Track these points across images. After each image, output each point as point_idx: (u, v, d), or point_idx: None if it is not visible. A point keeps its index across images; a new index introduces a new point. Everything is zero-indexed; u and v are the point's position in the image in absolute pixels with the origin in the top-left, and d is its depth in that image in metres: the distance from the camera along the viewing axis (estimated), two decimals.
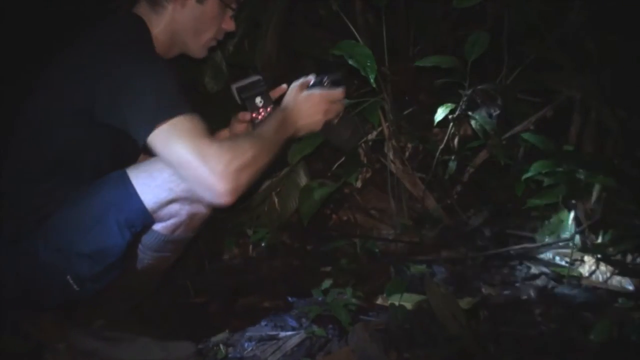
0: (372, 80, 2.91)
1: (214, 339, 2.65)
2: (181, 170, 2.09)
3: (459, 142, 3.49)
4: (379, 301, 2.86)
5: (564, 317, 2.62)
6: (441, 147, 3.36)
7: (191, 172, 2.05)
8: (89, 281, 2.33)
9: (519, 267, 3.09)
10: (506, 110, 3.39)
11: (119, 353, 2.46)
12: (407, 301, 2.75)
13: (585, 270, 2.95)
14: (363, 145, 3.58)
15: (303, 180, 3.30)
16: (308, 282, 3.01)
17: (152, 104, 2.09)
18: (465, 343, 2.42)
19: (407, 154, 3.61)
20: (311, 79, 2.54)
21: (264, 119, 2.48)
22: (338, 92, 2.53)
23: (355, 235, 3.38)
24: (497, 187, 3.56)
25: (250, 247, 3.43)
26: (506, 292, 2.88)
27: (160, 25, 2.39)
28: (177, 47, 2.48)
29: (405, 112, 3.59)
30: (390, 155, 3.41)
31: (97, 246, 2.25)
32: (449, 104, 3.22)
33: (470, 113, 3.28)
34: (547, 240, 3.15)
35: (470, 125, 3.46)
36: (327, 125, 2.51)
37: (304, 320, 2.75)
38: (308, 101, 2.45)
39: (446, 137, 3.39)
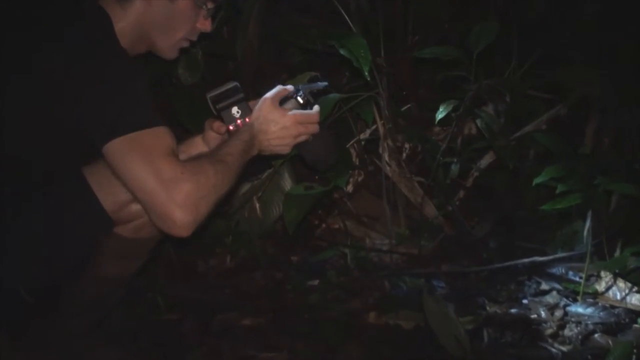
0: (366, 73, 2.91)
1: (188, 359, 2.64)
2: (135, 192, 2.08)
3: (462, 142, 3.50)
4: (372, 319, 2.85)
5: (577, 339, 2.63)
6: (442, 147, 3.36)
7: (146, 196, 2.04)
8: (44, 292, 2.32)
9: (527, 282, 3.10)
10: (515, 107, 3.41)
11: None
12: (403, 320, 2.76)
13: (601, 286, 2.96)
14: (355, 145, 3.58)
15: (288, 183, 3.30)
16: (293, 297, 3.01)
17: (113, 112, 2.07)
18: None
19: (404, 155, 3.61)
20: (287, 88, 2.52)
21: None
22: (314, 114, 2.44)
23: (345, 245, 3.38)
24: (504, 193, 3.57)
25: (228, 257, 3.42)
26: (513, 310, 2.88)
27: (125, 20, 2.36)
28: (144, 44, 2.46)
29: (403, 109, 3.60)
30: (386, 156, 3.41)
31: (52, 253, 2.24)
32: (452, 101, 3.23)
33: (475, 110, 3.29)
34: (559, 253, 3.16)
35: (476, 124, 3.48)
36: (302, 143, 2.50)
37: (287, 339, 2.73)
38: (278, 122, 2.39)
39: (448, 137, 3.40)
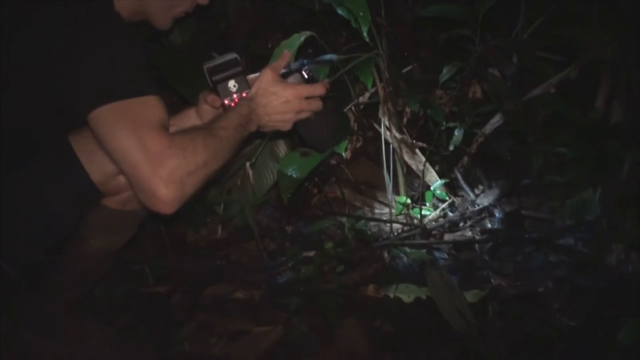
0: (365, 33, 2.88)
1: (177, 334, 2.65)
2: (119, 164, 2.06)
3: (467, 106, 3.47)
4: (371, 292, 2.85)
5: (587, 314, 2.63)
6: (446, 112, 3.34)
7: (131, 169, 2.02)
8: (29, 267, 2.31)
9: (535, 254, 3.09)
10: (522, 69, 3.38)
11: (63, 350, 2.44)
12: (404, 293, 2.75)
13: (612, 258, 2.95)
14: (353, 109, 3.56)
15: (282, 149, 3.28)
16: (287, 269, 3.00)
17: (103, 78, 2.05)
18: (471, 342, 2.43)
19: (405, 119, 3.59)
20: (288, 59, 2.49)
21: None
22: (318, 87, 2.42)
23: (343, 214, 3.37)
24: (510, 160, 3.55)
25: (220, 227, 3.42)
26: (520, 284, 2.88)
27: None
28: (140, 15, 2.47)
29: (404, 71, 3.57)
30: (386, 121, 3.39)
31: (37, 226, 2.23)
32: (456, 62, 3.20)
33: (480, 73, 3.26)
34: (568, 223, 3.15)
35: (481, 87, 3.45)
36: (301, 120, 2.48)
37: (282, 313, 2.74)
38: (280, 96, 2.36)
39: (452, 101, 3.38)
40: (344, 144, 3.33)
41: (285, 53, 2.49)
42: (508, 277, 2.93)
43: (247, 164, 3.27)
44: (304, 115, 2.41)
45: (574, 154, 2.95)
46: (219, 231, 3.41)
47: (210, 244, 3.36)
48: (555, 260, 3.02)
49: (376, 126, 3.53)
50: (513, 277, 2.93)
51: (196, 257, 3.26)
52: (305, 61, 2.47)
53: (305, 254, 3.09)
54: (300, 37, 2.97)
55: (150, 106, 2.07)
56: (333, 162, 3.60)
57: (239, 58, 2.46)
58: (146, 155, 1.98)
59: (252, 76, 2.47)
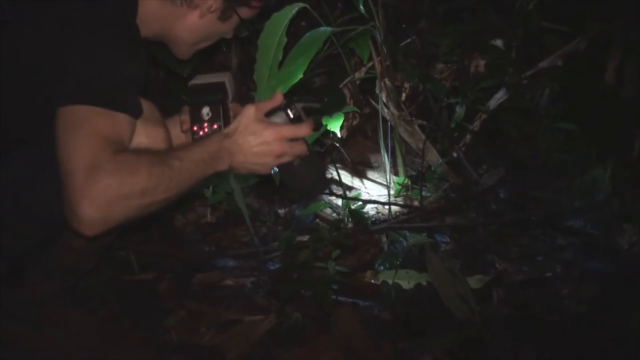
0: (360, 5, 2.88)
1: (164, 324, 2.65)
2: (60, 167, 2.05)
3: (469, 81, 3.47)
4: (368, 279, 2.86)
5: (597, 299, 2.63)
6: (447, 87, 3.34)
7: (64, 175, 1.97)
8: (15, 260, 2.32)
9: (541, 236, 3.09)
10: (527, 41, 3.38)
11: (45, 342, 2.45)
12: (403, 279, 2.76)
13: (624, 241, 2.96)
14: (349, 85, 3.55)
15: None
16: (280, 254, 3.00)
17: (89, 78, 2.04)
18: (474, 330, 2.43)
19: (403, 95, 3.59)
20: (277, 101, 2.42)
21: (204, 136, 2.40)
22: (303, 128, 2.30)
23: (339, 196, 3.36)
24: (515, 137, 3.55)
25: (209, 211, 3.42)
26: (526, 268, 2.89)
27: (157, 13, 2.38)
28: (163, 40, 2.49)
29: (402, 44, 3.56)
30: (383, 97, 3.39)
31: (26, 219, 2.23)
32: (457, 34, 3.19)
33: (483, 45, 3.26)
34: (577, 203, 3.15)
35: (484, 60, 3.45)
36: (286, 165, 2.44)
37: (274, 301, 2.74)
38: (259, 136, 2.24)
39: (453, 75, 3.37)
40: (339, 121, 3.32)
41: (277, 95, 2.35)
42: (513, 261, 2.94)
43: None
44: (285, 159, 2.30)
45: (583, 131, 2.95)
46: (208, 215, 3.41)
47: (199, 228, 3.36)
48: (564, 243, 3.02)
49: (373, 102, 3.53)
50: (519, 262, 2.94)
51: (184, 242, 3.25)
52: (294, 99, 2.40)
53: (298, 238, 3.08)
54: (292, 9, 2.96)
55: (118, 123, 2.05)
56: (327, 141, 3.59)
57: (225, 84, 2.41)
58: (82, 164, 1.95)
59: (236, 107, 2.41)
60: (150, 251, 3.13)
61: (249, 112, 2.25)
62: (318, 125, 2.74)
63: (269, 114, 2.30)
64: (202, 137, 2.29)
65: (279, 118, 2.31)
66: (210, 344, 2.54)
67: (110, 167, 1.94)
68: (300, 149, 2.30)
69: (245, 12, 2.50)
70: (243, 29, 2.58)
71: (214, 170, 2.21)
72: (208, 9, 2.40)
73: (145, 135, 2.40)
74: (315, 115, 2.89)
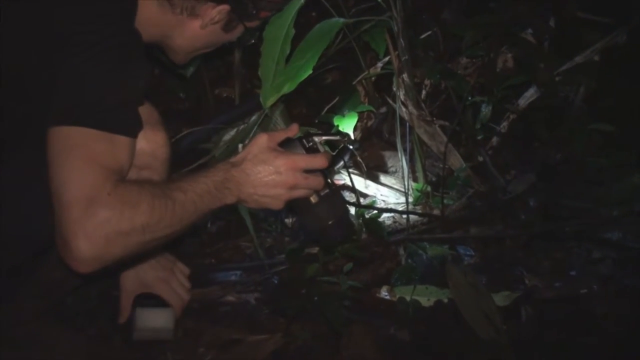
0: None
1: (159, 344, 2.65)
2: (53, 194, 2.04)
3: (495, 77, 3.47)
4: (384, 294, 2.86)
5: (636, 319, 2.63)
6: (471, 84, 3.34)
7: (59, 204, 1.98)
8: (4, 275, 2.34)
9: (575, 249, 3.09)
10: (561, 34, 3.38)
11: None
12: (422, 295, 2.76)
13: None
14: (364, 82, 3.56)
15: (281, 127, 3.28)
16: (286, 268, 3.01)
17: (86, 97, 2.05)
18: (500, 353, 2.43)
19: (423, 93, 3.59)
20: (292, 132, 2.36)
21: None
22: (318, 159, 2.28)
23: (352, 204, 3.37)
24: (547, 140, 3.55)
25: (208, 220, 3.42)
26: (558, 284, 2.88)
27: (156, 19, 2.39)
28: (159, 44, 2.50)
29: (422, 37, 3.57)
30: (401, 95, 3.39)
31: (13, 232, 2.24)
32: (483, 26, 3.19)
33: (512, 38, 3.26)
34: (615, 213, 3.15)
35: (512, 54, 3.45)
36: (302, 202, 2.36)
37: (280, 319, 2.75)
38: (270, 165, 2.22)
39: (478, 71, 3.38)
40: (352, 122, 3.33)
41: (293, 125, 2.37)
42: (544, 276, 2.93)
43: (240, 146, 3.29)
44: (299, 193, 2.28)
45: (622, 133, 2.94)
46: (208, 224, 3.42)
47: (198, 239, 3.37)
48: (600, 256, 3.02)
49: (390, 101, 3.53)
50: (550, 277, 2.93)
51: (181, 255, 3.25)
52: (312, 131, 2.39)
53: (307, 250, 3.09)
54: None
55: (118, 148, 2.06)
56: (340, 143, 3.60)
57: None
58: (79, 196, 1.95)
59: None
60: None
61: (261, 141, 2.25)
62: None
63: (284, 145, 2.28)
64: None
65: (293, 149, 2.29)
66: None
67: (110, 200, 1.94)
68: (316, 182, 2.28)
69: (252, 22, 2.51)
70: (249, 37, 2.59)
71: (221, 203, 2.20)
72: (210, 20, 2.40)
73: (145, 140, 2.43)
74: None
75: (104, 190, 1.95)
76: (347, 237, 2.69)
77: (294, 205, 2.32)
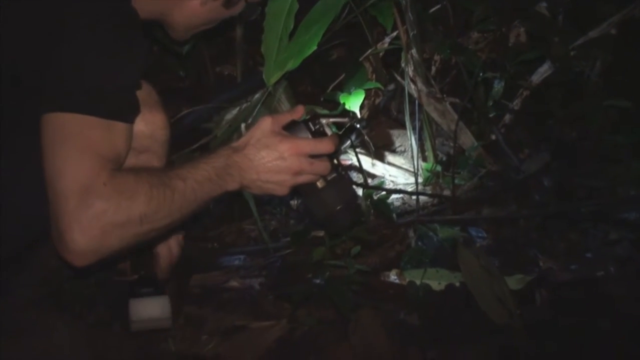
0: None
1: (160, 331, 2.65)
2: (47, 183, 2.04)
3: (508, 52, 3.46)
4: (393, 278, 2.86)
5: None
6: (483, 59, 3.33)
7: (53, 195, 1.98)
8: (1, 262, 2.36)
9: (592, 230, 3.09)
10: (576, 6, 3.36)
11: (27, 350, 2.47)
12: (433, 279, 2.76)
13: None
14: (371, 58, 3.55)
15: (285, 107, 3.28)
16: (292, 252, 3.02)
17: (82, 82, 2.03)
18: (514, 337, 2.43)
19: (433, 69, 3.58)
20: (298, 114, 2.33)
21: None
22: (325, 143, 2.25)
23: (359, 184, 3.36)
24: (562, 117, 3.55)
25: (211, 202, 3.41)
26: (573, 267, 2.89)
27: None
28: (158, 21, 2.49)
29: (431, 10, 3.56)
30: (410, 71, 3.39)
31: (8, 219, 2.25)
32: None
33: (524, 10, 3.25)
34: (632, 192, 3.14)
35: (525, 28, 3.44)
36: (308, 187, 2.34)
37: (285, 305, 2.75)
38: (274, 150, 2.20)
39: (490, 46, 3.37)
40: (359, 99, 3.32)
41: (299, 107, 2.33)
42: (559, 258, 2.94)
43: (243, 125, 3.28)
44: (304, 178, 2.26)
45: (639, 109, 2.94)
46: (210, 207, 3.41)
47: (200, 222, 3.37)
48: (617, 237, 3.01)
49: (398, 78, 3.53)
50: (565, 259, 2.93)
51: (183, 238, 3.26)
52: (319, 113, 2.37)
53: (313, 233, 3.09)
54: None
55: (115, 135, 2.05)
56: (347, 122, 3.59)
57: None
58: (75, 186, 1.94)
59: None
60: (143, 249, 3.14)
61: (264, 124, 2.22)
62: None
63: (289, 128, 2.26)
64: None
65: (299, 133, 2.26)
66: (212, 354, 2.56)
67: (107, 191, 1.93)
68: (322, 167, 2.25)
69: None
70: (253, 12, 2.57)
71: (223, 190, 2.18)
72: None
73: (144, 122, 2.42)
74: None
75: (99, 181, 1.94)
76: (355, 223, 2.68)
77: (299, 190, 2.31)
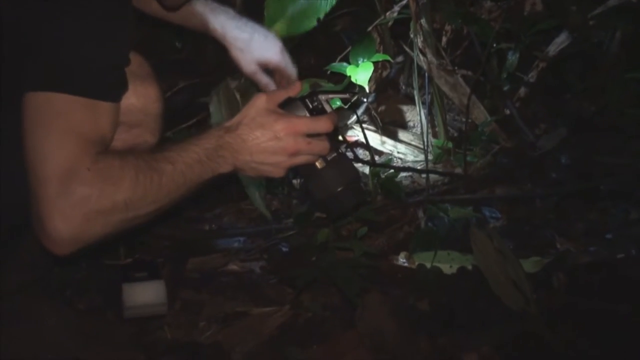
0: None
1: (155, 317, 2.66)
2: (27, 166, 2.03)
3: (523, 22, 3.45)
4: (402, 261, 2.86)
5: None
6: (496, 29, 3.32)
7: (33, 179, 1.97)
8: None
9: (612, 210, 3.08)
10: None
11: (15, 337, 2.47)
12: (444, 262, 2.76)
13: None
14: (379, 28, 3.54)
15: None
16: (295, 233, 3.02)
17: (66, 59, 2.02)
18: (529, 323, 2.43)
19: (444, 40, 3.57)
20: (295, 90, 2.31)
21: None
22: (322, 121, 2.23)
23: (366, 162, 3.36)
24: (580, 90, 3.54)
25: None
26: (592, 249, 2.88)
27: None
28: None
29: None
30: (419, 42, 3.37)
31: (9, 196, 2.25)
32: None
33: None
34: None
35: None
36: (307, 168, 2.32)
37: (288, 290, 2.75)
38: (269, 129, 2.17)
39: (504, 15, 3.35)
40: (367, 72, 3.31)
41: (296, 83, 2.33)
42: (578, 240, 2.93)
43: (238, 96, 3.27)
44: (302, 159, 2.24)
45: None
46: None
47: (196, 202, 3.36)
48: (639, 217, 3.00)
49: (407, 49, 3.52)
50: (584, 241, 2.93)
51: (179, 219, 3.25)
52: (315, 90, 2.34)
53: (317, 214, 3.09)
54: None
55: (99, 115, 2.02)
56: (353, 96, 3.59)
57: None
58: (56, 170, 1.93)
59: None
60: (137, 231, 3.13)
61: (259, 102, 2.20)
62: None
63: (285, 105, 2.24)
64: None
65: (295, 110, 2.24)
66: (211, 342, 2.55)
67: (90, 176, 1.92)
68: (321, 146, 2.23)
69: None
70: None
71: (215, 173, 2.16)
72: None
73: (135, 96, 2.40)
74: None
75: (82, 165, 1.92)
76: (358, 205, 2.67)
77: (299, 171, 2.29)
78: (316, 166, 2.25)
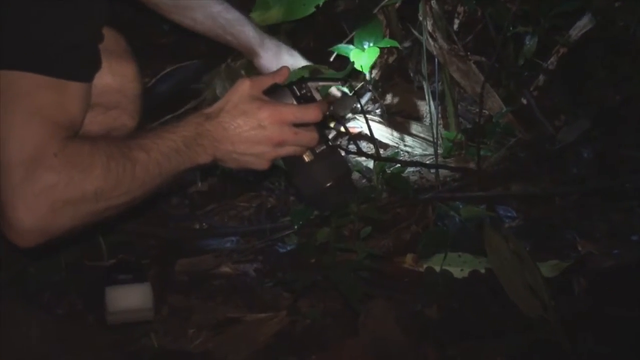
0: None
1: (140, 324, 2.67)
2: None
3: (543, 3, 3.45)
4: (409, 264, 2.88)
5: None
6: (513, 11, 3.33)
7: None
8: None
9: (638, 210, 3.09)
10: None
11: None
12: (455, 265, 2.77)
13: None
14: (385, 10, 3.54)
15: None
16: (293, 233, 3.02)
17: (35, 36, 2.01)
18: (547, 332, 2.44)
19: (456, 24, 3.58)
20: (281, 77, 2.34)
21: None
22: (311, 110, 2.25)
23: (371, 156, 3.37)
24: (604, 78, 3.54)
25: (198, 176, 3.41)
26: (616, 251, 2.89)
27: None
28: None
29: None
30: (429, 25, 3.39)
31: None
32: None
33: None
34: None
35: None
36: (294, 161, 2.36)
37: (285, 294, 2.77)
38: (252, 117, 2.19)
39: None
40: (372, 57, 3.32)
41: (283, 69, 2.34)
42: (600, 242, 2.94)
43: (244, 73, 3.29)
44: (288, 150, 2.27)
45: None
46: (198, 182, 3.41)
47: (186, 199, 3.37)
48: None
49: (415, 33, 3.52)
50: (607, 243, 2.93)
51: (167, 217, 3.26)
52: (306, 76, 2.35)
53: (316, 212, 3.10)
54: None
55: (68, 96, 2.04)
56: (356, 84, 3.60)
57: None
58: (20, 156, 1.93)
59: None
60: (122, 229, 3.15)
61: (242, 87, 2.22)
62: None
63: (271, 93, 2.26)
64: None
65: (281, 98, 2.27)
66: (200, 350, 2.57)
67: (57, 163, 1.93)
68: (308, 137, 2.26)
69: None
70: None
71: (193, 164, 2.18)
72: None
73: (111, 75, 2.41)
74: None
75: (49, 150, 1.93)
76: (348, 202, 2.69)
77: (285, 164, 2.33)
78: (303, 159, 2.29)
